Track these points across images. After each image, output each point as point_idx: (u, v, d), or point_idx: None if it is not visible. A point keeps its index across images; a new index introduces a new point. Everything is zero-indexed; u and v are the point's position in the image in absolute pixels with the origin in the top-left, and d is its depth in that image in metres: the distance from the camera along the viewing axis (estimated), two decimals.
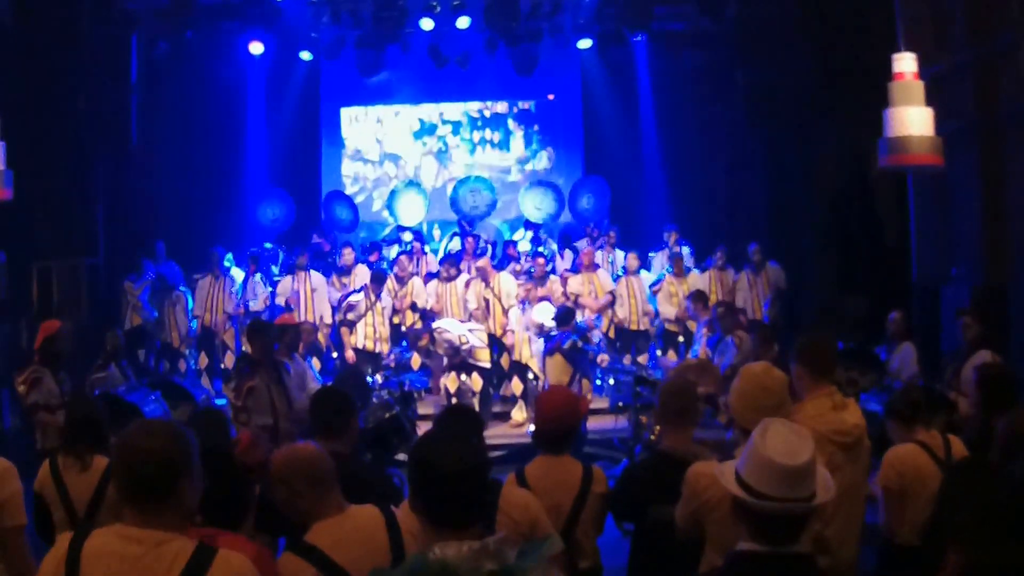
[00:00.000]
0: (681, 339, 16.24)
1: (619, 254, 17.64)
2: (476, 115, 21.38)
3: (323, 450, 4.69)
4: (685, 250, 17.46)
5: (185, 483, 3.52)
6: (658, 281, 16.71)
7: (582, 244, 17.87)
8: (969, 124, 13.47)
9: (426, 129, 21.36)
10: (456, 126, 21.35)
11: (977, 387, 7.02)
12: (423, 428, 11.47)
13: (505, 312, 15.40)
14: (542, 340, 14.30)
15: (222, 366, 16.41)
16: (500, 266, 16.61)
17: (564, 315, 13.86)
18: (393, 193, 19.62)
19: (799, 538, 3.57)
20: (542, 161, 21.34)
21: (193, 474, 3.57)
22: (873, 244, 16.91)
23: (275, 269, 17.62)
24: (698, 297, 14.52)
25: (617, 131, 20.23)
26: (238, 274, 17.16)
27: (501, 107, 21.38)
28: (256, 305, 16.27)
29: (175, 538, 3.49)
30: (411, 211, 19.45)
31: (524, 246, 18.43)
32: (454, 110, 21.33)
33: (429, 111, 21.32)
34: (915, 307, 14.40)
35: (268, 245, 17.92)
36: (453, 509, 3.59)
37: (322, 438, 5.77)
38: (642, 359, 16.04)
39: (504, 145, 21.32)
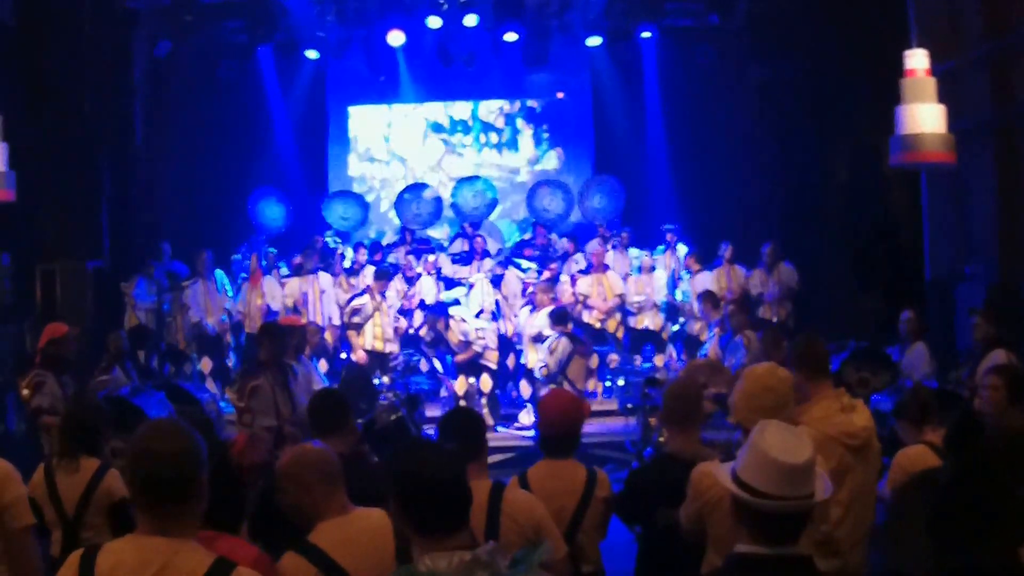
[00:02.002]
0: (686, 338, 16.14)
1: (632, 253, 17.50)
2: (484, 114, 21.21)
3: (333, 451, 4.68)
4: (684, 248, 17.32)
5: (202, 483, 3.46)
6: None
7: (593, 244, 17.70)
8: (984, 120, 13.36)
9: (434, 129, 21.19)
10: (464, 125, 21.18)
11: (1006, 388, 6.96)
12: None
13: (515, 313, 15.30)
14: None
15: (229, 364, 16.34)
16: (506, 264, 16.51)
17: (560, 315, 13.68)
18: (401, 195, 19.45)
19: (799, 539, 3.54)
20: (551, 161, 21.16)
21: (205, 474, 3.50)
22: (886, 242, 16.78)
23: (284, 270, 17.50)
24: (708, 297, 14.34)
25: (628, 129, 20.07)
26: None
27: (510, 106, 21.19)
28: (275, 305, 16.15)
29: (190, 548, 3.42)
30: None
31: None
32: (462, 109, 21.18)
33: (437, 110, 21.17)
34: (929, 306, 14.27)
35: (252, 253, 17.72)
36: (430, 516, 3.54)
37: (320, 438, 5.73)
38: (659, 360, 15.86)
39: (512, 145, 21.14)
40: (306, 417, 9.52)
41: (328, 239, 18.42)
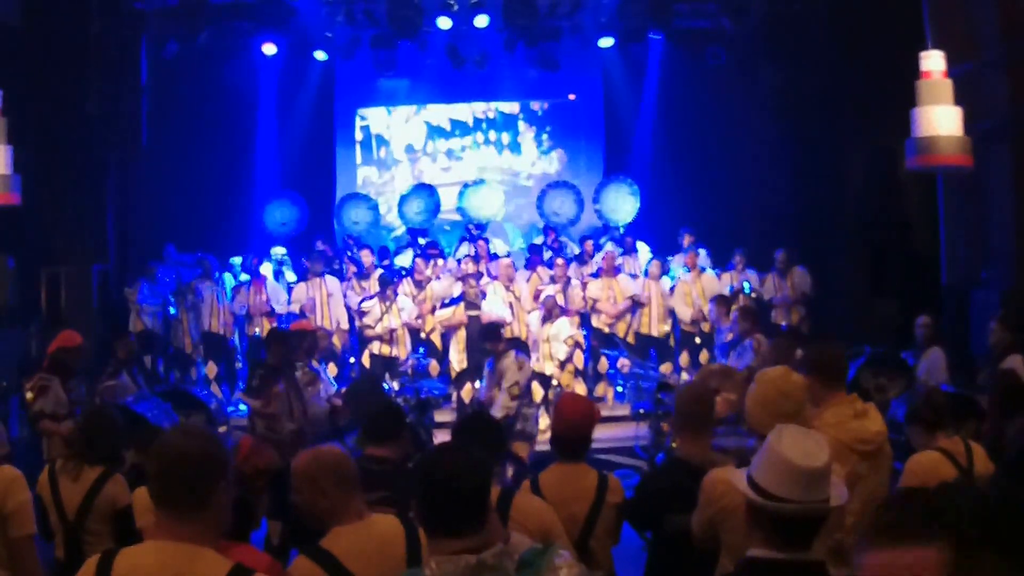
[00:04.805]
0: (698, 340, 15.99)
1: (642, 255, 17.41)
2: (487, 116, 21.08)
3: (348, 454, 4.70)
4: (702, 252, 17.18)
5: (220, 489, 3.45)
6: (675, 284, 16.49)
7: (606, 248, 17.54)
8: (1001, 123, 13.23)
9: (442, 131, 21.09)
10: (470, 128, 21.07)
11: (992, 393, 6.98)
12: (439, 436, 11.32)
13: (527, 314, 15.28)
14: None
15: (237, 367, 16.28)
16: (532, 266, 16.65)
17: (491, 331, 13.22)
18: (404, 197, 19.32)
19: (812, 544, 3.56)
20: (553, 163, 21.02)
21: (228, 482, 3.51)
22: (902, 247, 16.72)
23: (291, 276, 17.41)
24: (720, 302, 14.25)
25: (640, 131, 19.97)
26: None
27: (515, 108, 21.08)
28: (280, 308, 16.12)
29: (208, 554, 3.41)
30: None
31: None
32: (470, 111, 21.07)
33: (444, 112, 21.07)
34: (945, 311, 14.13)
35: (282, 251, 17.67)
36: (447, 519, 3.48)
37: (376, 445, 5.94)
38: (665, 368, 15.73)
39: (515, 147, 21.04)
40: (320, 421, 9.64)
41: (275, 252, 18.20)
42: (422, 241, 18.48)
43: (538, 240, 18.81)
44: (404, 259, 18.06)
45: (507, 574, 3.07)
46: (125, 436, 6.88)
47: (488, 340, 12.91)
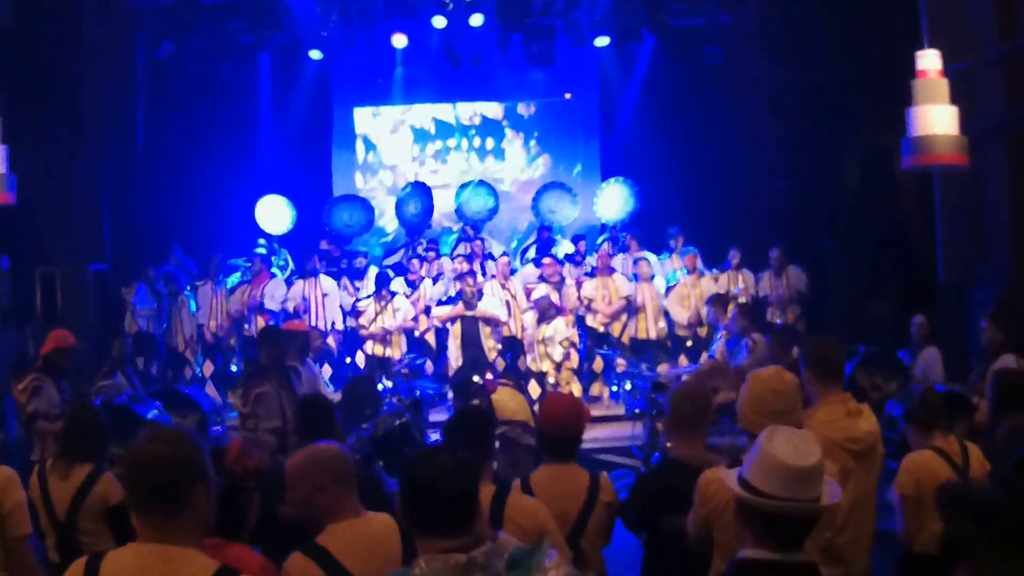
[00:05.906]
0: (690, 343, 15.97)
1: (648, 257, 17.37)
2: (472, 122, 20.99)
3: (344, 451, 4.70)
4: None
5: (198, 489, 3.44)
6: (671, 284, 16.42)
7: (603, 248, 17.49)
8: (998, 122, 13.23)
9: (428, 135, 20.97)
10: (455, 132, 20.95)
11: (991, 391, 7.08)
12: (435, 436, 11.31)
13: (521, 312, 15.26)
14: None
15: (232, 369, 16.24)
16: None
17: (461, 386, 12.86)
18: (400, 200, 19.20)
19: (804, 544, 3.58)
20: (538, 169, 20.95)
21: (207, 481, 3.50)
22: (898, 245, 16.70)
23: (278, 272, 17.31)
24: (717, 301, 14.23)
25: (636, 131, 19.82)
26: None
27: (499, 113, 20.97)
28: (273, 306, 16.07)
29: (192, 555, 3.41)
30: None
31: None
32: (455, 117, 20.97)
33: (431, 116, 20.95)
34: (941, 309, 14.13)
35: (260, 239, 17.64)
36: (435, 519, 3.50)
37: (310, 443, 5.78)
38: (662, 369, 15.67)
39: (499, 153, 20.96)
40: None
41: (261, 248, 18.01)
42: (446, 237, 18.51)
43: (529, 242, 18.87)
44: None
45: (497, 573, 3.05)
46: (110, 434, 6.85)
47: (460, 397, 12.57)
